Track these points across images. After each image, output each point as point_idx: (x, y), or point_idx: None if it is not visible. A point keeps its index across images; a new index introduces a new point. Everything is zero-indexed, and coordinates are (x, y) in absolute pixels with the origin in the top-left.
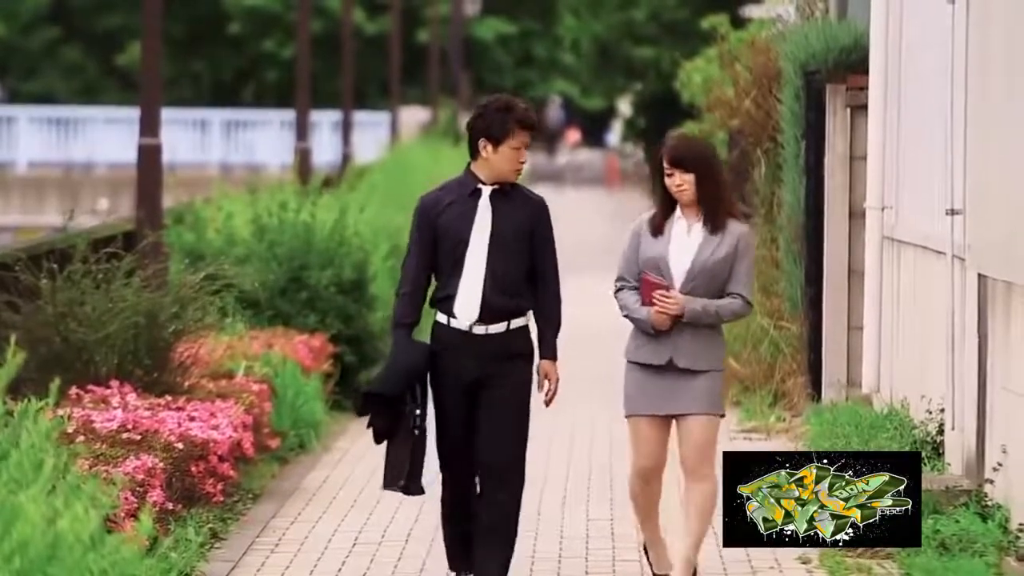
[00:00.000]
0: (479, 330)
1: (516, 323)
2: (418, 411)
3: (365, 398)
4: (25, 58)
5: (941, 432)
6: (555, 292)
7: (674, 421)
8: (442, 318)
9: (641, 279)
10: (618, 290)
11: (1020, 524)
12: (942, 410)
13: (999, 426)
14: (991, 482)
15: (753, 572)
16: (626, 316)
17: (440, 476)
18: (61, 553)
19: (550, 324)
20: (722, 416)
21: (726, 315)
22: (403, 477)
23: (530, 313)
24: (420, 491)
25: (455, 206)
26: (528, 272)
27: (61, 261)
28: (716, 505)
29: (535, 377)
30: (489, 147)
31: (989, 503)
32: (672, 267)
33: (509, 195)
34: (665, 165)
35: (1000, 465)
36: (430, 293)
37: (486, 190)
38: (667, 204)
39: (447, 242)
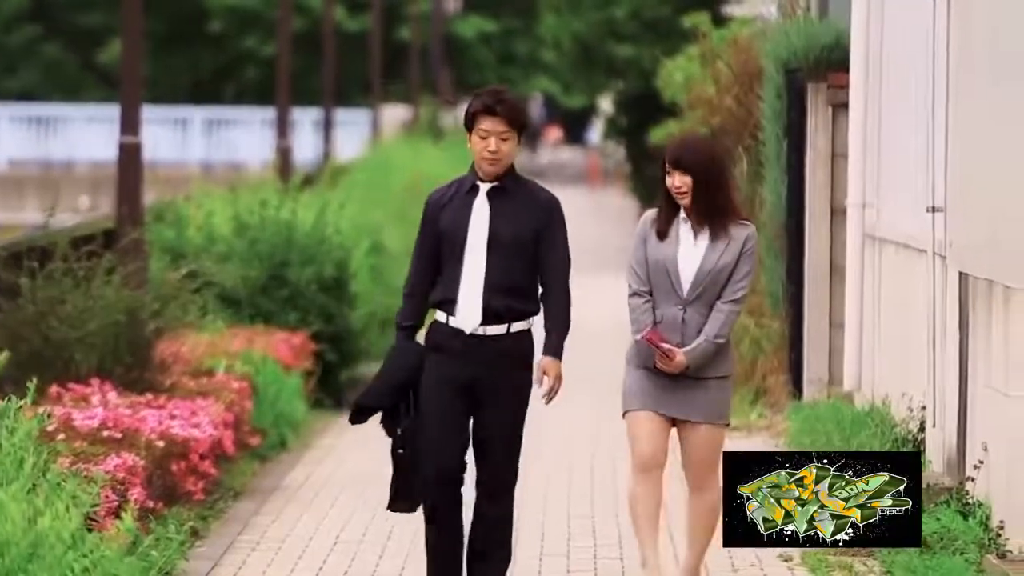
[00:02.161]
0: (478, 331)
1: (517, 326)
2: (400, 430)
3: (356, 410)
4: (5, 56)
5: (922, 430)
6: (565, 294)
7: (675, 429)
8: (441, 316)
9: (644, 338)
10: (631, 295)
11: (1001, 522)
12: (923, 408)
13: (980, 424)
14: (972, 480)
15: (735, 570)
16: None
17: (423, 499)
18: (42, 552)
19: (557, 325)
20: (727, 425)
21: (725, 333)
22: (391, 499)
23: (533, 318)
24: (404, 509)
25: (454, 204)
26: (532, 273)
27: (41, 259)
28: (720, 515)
29: (534, 381)
30: (468, 137)
31: (970, 501)
32: (681, 272)
33: (512, 192)
34: (667, 165)
35: (981, 463)
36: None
37: (484, 187)
38: (671, 204)
39: (447, 241)
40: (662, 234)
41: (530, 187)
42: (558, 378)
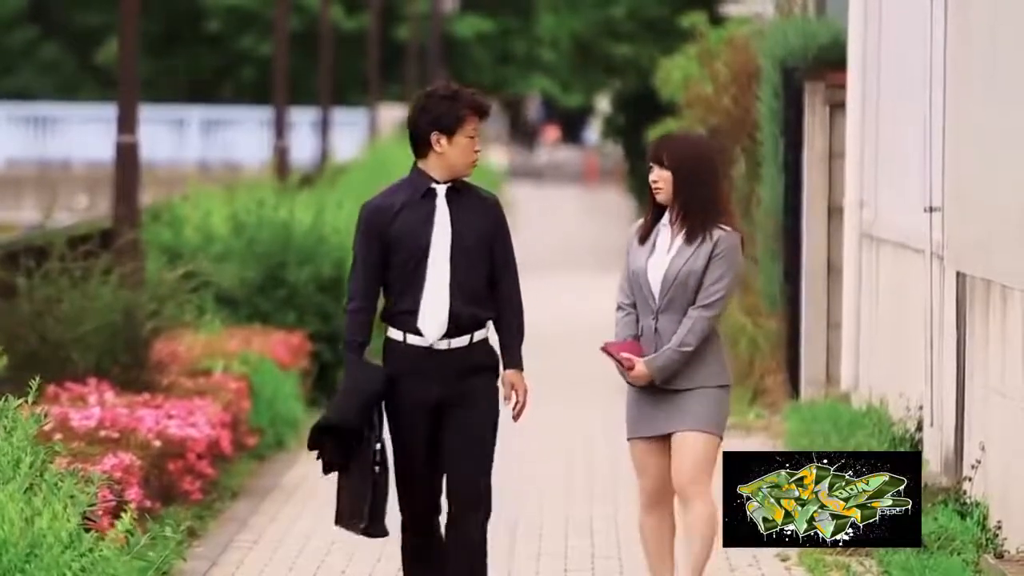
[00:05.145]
0: (441, 345)
1: (479, 335)
2: (378, 445)
3: (317, 431)
4: (3, 56)
5: (920, 429)
6: (518, 299)
7: (670, 443)
8: (397, 335)
9: (602, 349)
10: (616, 308)
11: (998, 521)
12: (921, 407)
13: (977, 423)
14: (970, 480)
15: (732, 570)
16: None
17: (400, 516)
18: (40, 551)
19: (514, 333)
20: (719, 437)
21: (692, 342)
22: (362, 518)
23: (490, 324)
24: (384, 533)
25: (408, 211)
26: (488, 278)
27: (38, 259)
28: (716, 530)
29: (501, 390)
30: (443, 140)
31: (968, 500)
32: (651, 280)
33: (464, 194)
34: (649, 161)
35: (979, 462)
36: (380, 308)
37: (440, 189)
38: (655, 211)
39: (403, 251)
40: (642, 241)
41: (473, 188)
42: (526, 392)
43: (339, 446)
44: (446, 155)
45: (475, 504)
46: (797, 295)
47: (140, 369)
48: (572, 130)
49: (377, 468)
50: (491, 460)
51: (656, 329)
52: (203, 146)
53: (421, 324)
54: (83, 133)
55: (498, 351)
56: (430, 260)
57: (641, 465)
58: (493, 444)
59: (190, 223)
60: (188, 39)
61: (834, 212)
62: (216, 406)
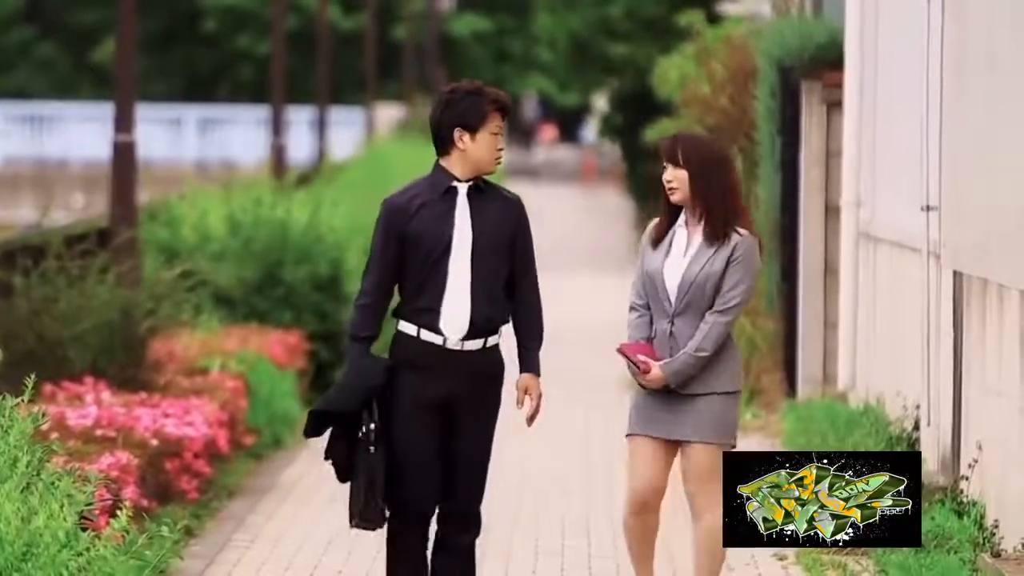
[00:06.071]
0: (454, 346)
1: (492, 340)
2: (373, 424)
3: (314, 417)
4: (0, 55)
5: (917, 429)
6: (537, 302)
7: (679, 451)
8: (410, 329)
9: (618, 350)
10: (629, 309)
11: (995, 520)
12: (917, 407)
13: (974, 423)
14: (966, 479)
15: (730, 569)
16: None
17: (387, 519)
18: (36, 551)
19: (534, 337)
20: (732, 444)
21: (710, 348)
22: (358, 510)
23: (503, 329)
24: (380, 523)
25: (428, 208)
26: (507, 280)
27: (35, 257)
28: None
29: (516, 401)
30: (466, 136)
31: (964, 499)
32: (667, 283)
33: (486, 193)
34: (662, 160)
35: (975, 461)
36: (393, 304)
37: (462, 187)
38: (669, 212)
39: (421, 249)
40: (656, 243)
41: (497, 187)
42: (539, 397)
43: (339, 441)
44: (469, 152)
45: (469, 524)
46: (794, 294)
47: (137, 368)
48: (569, 129)
49: (372, 449)
50: (486, 472)
51: (671, 332)
52: (200, 145)
53: (443, 324)
54: (80, 132)
55: (506, 357)
56: (451, 259)
57: (634, 464)
58: (488, 456)
59: (187, 222)
60: (185, 38)
61: (831, 211)
62: (213, 405)
